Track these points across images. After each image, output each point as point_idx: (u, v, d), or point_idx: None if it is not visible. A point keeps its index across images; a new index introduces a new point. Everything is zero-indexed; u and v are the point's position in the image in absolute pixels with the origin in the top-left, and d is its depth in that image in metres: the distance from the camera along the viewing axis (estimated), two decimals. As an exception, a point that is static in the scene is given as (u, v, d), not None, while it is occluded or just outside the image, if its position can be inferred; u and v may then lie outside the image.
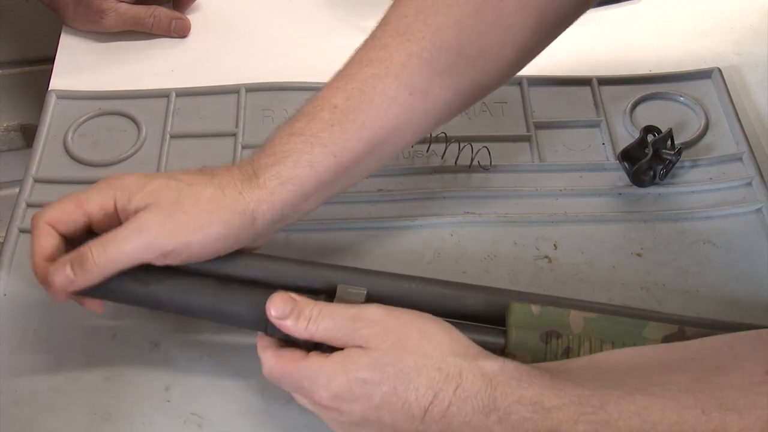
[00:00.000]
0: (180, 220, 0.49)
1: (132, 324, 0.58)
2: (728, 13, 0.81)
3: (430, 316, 0.48)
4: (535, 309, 0.50)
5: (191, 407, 0.54)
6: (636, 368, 0.44)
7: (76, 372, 0.56)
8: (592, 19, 0.80)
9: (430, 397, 0.44)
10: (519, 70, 0.59)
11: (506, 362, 0.45)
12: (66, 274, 0.49)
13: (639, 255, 0.62)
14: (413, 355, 0.45)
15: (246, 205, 0.51)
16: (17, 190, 0.67)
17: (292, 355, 0.47)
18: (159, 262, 0.50)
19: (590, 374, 0.44)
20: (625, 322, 0.50)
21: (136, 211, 0.50)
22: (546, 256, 0.62)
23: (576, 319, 0.50)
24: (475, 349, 0.46)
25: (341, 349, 0.46)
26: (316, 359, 0.46)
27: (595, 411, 0.41)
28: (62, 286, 0.49)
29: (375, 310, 0.47)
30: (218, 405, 0.54)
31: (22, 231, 0.64)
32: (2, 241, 0.64)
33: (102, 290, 0.50)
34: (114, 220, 0.51)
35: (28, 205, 0.65)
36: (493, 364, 0.44)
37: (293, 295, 0.48)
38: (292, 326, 0.47)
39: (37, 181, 0.67)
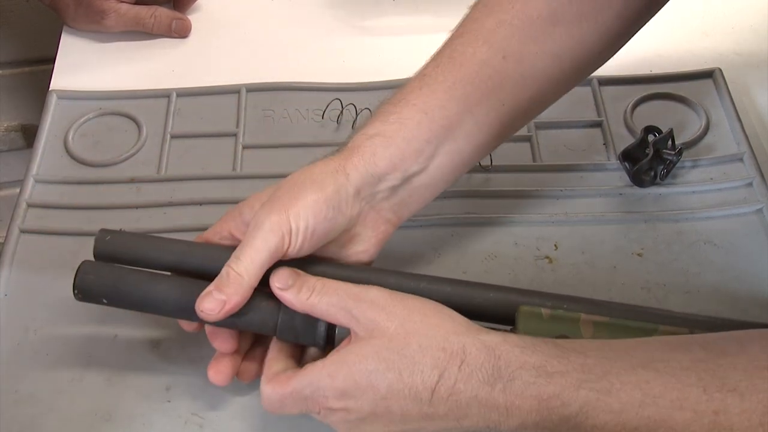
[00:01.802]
0: (279, 201, 0.49)
1: (132, 324, 0.58)
2: (729, 13, 0.81)
3: (429, 300, 0.48)
4: (545, 313, 0.50)
5: (192, 408, 0.54)
6: (640, 345, 0.44)
7: (77, 372, 0.56)
8: (592, 19, 0.80)
9: (436, 377, 0.44)
10: (624, 41, 0.58)
11: (508, 334, 0.45)
12: (214, 297, 0.48)
13: (639, 255, 0.62)
14: (416, 337, 0.45)
15: (336, 164, 0.51)
16: (18, 190, 0.67)
17: (286, 374, 0.47)
18: (293, 252, 0.49)
19: (594, 346, 0.44)
20: (635, 327, 0.49)
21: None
22: (547, 257, 0.62)
23: (586, 324, 0.49)
24: (477, 326, 0.46)
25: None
26: (312, 366, 0.46)
27: (598, 379, 0.42)
28: (214, 310, 0.48)
29: (378, 293, 0.47)
30: (219, 405, 0.54)
31: (22, 231, 0.64)
32: (3, 241, 0.64)
33: (116, 296, 0.50)
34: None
35: (29, 205, 0.65)
36: (496, 336, 0.45)
37: (297, 270, 0.49)
38: (294, 297, 0.48)
39: (37, 181, 0.67)
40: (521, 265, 0.62)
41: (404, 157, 0.52)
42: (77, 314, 0.58)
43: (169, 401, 0.54)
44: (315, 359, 0.50)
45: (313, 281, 0.48)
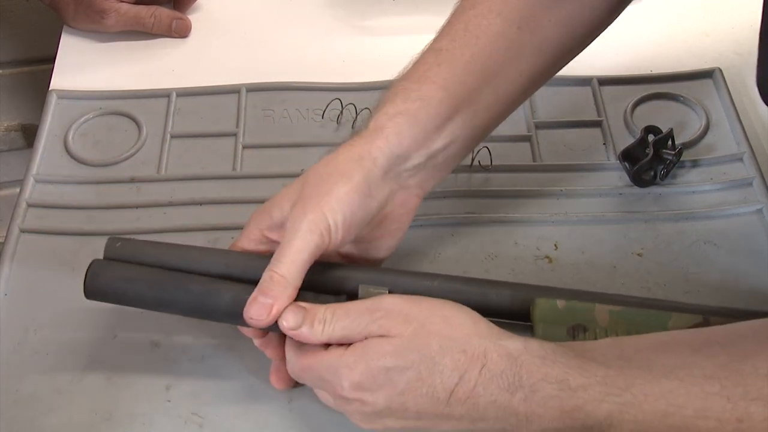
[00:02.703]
0: (311, 199, 0.49)
1: (133, 324, 0.58)
2: (729, 12, 0.81)
3: (449, 301, 0.47)
4: (560, 304, 0.51)
5: (192, 407, 0.54)
6: (661, 350, 0.44)
7: (77, 372, 0.56)
8: (592, 19, 0.80)
9: (456, 379, 0.43)
10: (626, 4, 0.59)
11: (529, 341, 0.45)
12: (260, 302, 0.48)
13: (639, 255, 0.62)
14: (437, 338, 0.44)
15: (360, 150, 0.51)
16: (18, 190, 0.67)
17: (313, 349, 0.47)
18: (335, 245, 0.49)
19: (615, 354, 0.44)
20: (650, 314, 0.51)
21: (284, 222, 0.50)
22: (547, 257, 0.62)
23: (601, 312, 0.50)
24: (498, 329, 0.46)
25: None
26: (335, 351, 0.46)
27: (621, 392, 0.41)
28: (261, 315, 0.48)
29: (392, 300, 0.47)
30: (219, 405, 0.54)
31: (22, 231, 0.64)
32: (3, 240, 0.64)
33: (126, 297, 0.51)
34: (276, 238, 0.51)
35: (29, 205, 0.65)
36: (517, 343, 0.44)
37: (302, 303, 0.48)
38: (309, 333, 0.47)
39: (37, 180, 0.67)
40: (521, 264, 0.62)
41: (428, 134, 0.52)
42: (77, 314, 0.58)
43: (169, 401, 0.54)
44: None
45: (321, 312, 0.47)
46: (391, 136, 0.51)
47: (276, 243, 0.51)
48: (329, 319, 0.47)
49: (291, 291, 0.48)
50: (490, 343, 0.44)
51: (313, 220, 0.48)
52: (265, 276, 0.48)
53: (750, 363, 0.41)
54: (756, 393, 0.40)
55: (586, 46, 0.60)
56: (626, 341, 0.46)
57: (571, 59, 0.59)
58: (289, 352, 0.49)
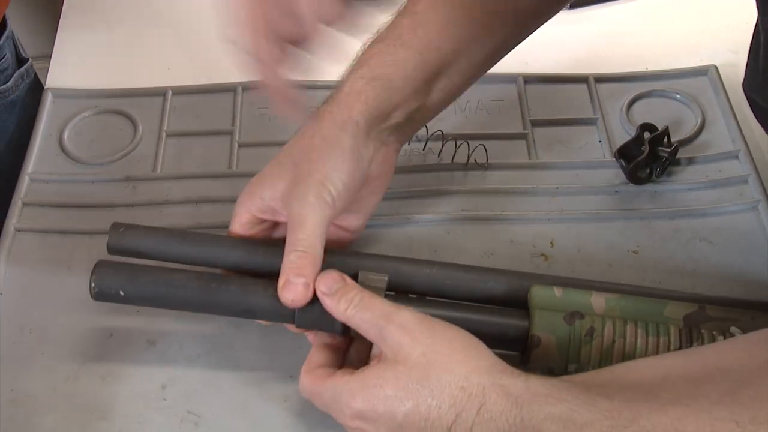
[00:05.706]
0: (309, 174, 0.51)
1: (128, 323, 0.58)
2: (724, 10, 0.81)
3: (461, 332, 0.47)
4: (558, 291, 0.51)
5: (188, 406, 0.54)
6: (663, 382, 0.43)
7: (72, 371, 0.56)
8: (588, 17, 0.80)
9: (452, 416, 0.43)
10: None
11: (531, 378, 0.44)
12: (296, 282, 0.49)
13: (635, 252, 0.62)
14: (437, 370, 0.44)
15: (341, 116, 0.52)
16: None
17: (321, 373, 0.48)
18: (336, 214, 0.51)
19: (616, 389, 0.43)
20: (646, 302, 0.51)
21: (277, 203, 0.52)
22: (542, 254, 0.62)
23: (598, 300, 0.51)
24: (501, 366, 0.45)
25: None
26: (341, 377, 0.46)
27: (629, 423, 0.40)
28: (301, 296, 0.49)
29: (408, 316, 0.47)
30: (215, 403, 0.54)
31: (18, 230, 0.64)
32: (-2, 239, 0.63)
33: (141, 294, 0.51)
34: (270, 218, 0.54)
35: (24, 204, 0.65)
36: (518, 382, 0.43)
37: (345, 276, 0.49)
38: (333, 305, 0.48)
39: (33, 179, 0.67)
40: (517, 262, 0.62)
41: (406, 97, 0.54)
42: (73, 313, 0.58)
43: (164, 399, 0.54)
44: (356, 360, 0.51)
45: (352, 294, 0.48)
46: (370, 99, 0.53)
47: (269, 223, 0.53)
48: (355, 303, 0.48)
49: (318, 263, 0.50)
50: (489, 382, 0.43)
51: (319, 194, 0.50)
52: (291, 257, 0.49)
53: (754, 388, 0.40)
54: (764, 417, 0.39)
55: (562, 7, 0.61)
56: (625, 374, 0.45)
57: (545, 22, 0.60)
58: (301, 373, 0.49)
